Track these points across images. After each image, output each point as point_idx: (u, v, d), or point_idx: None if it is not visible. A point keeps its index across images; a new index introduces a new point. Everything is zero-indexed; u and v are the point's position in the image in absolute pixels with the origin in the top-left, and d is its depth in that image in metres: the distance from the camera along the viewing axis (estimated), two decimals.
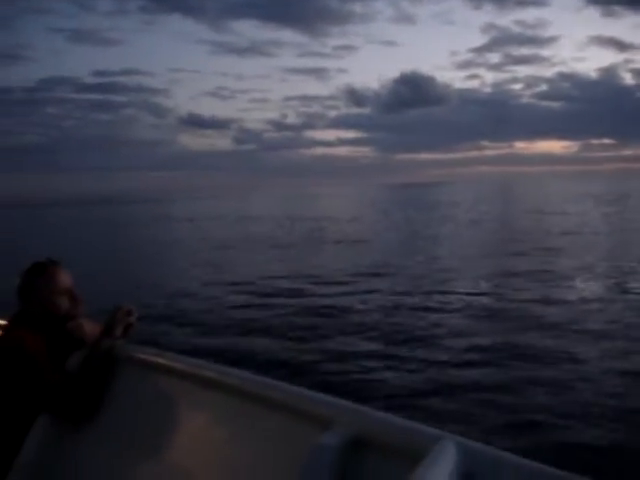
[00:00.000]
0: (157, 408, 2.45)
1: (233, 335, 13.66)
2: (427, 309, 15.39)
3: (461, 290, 17.54)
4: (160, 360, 2.52)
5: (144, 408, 2.52)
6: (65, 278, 2.95)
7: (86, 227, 67.49)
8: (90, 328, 2.94)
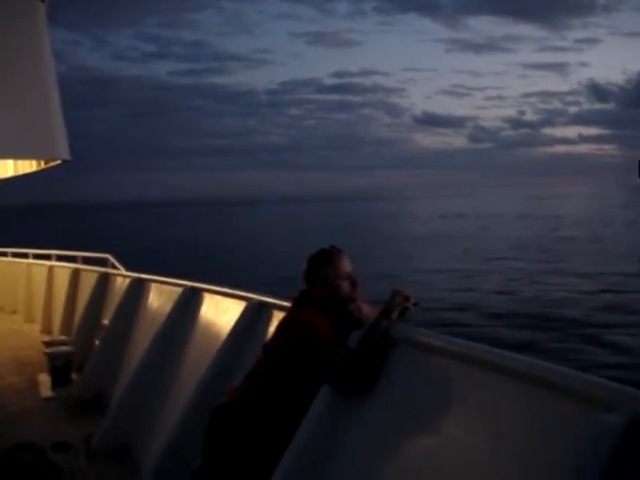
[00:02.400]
0: (432, 388, 2.50)
1: None
2: None
3: None
4: (435, 342, 2.57)
5: (419, 387, 2.59)
6: (347, 264, 3.16)
7: (342, 221, 72.50)
8: (367, 310, 3.13)
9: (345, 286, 3.12)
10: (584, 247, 36.39)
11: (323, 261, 3.15)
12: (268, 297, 4.15)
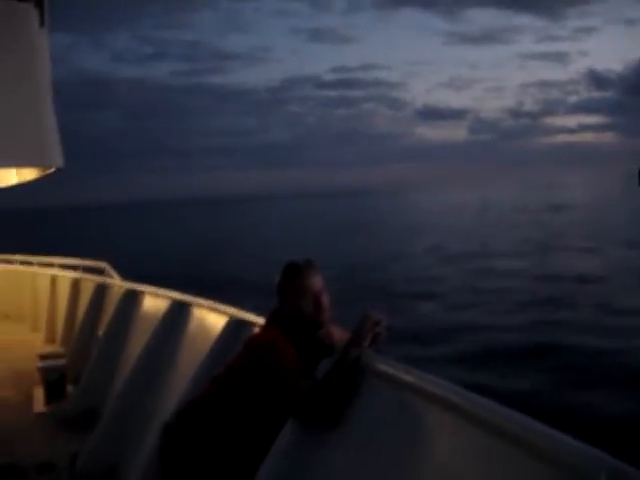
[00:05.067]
0: (399, 425, 2.39)
1: None
2: None
3: None
4: (406, 376, 2.43)
5: (387, 423, 2.47)
6: (315, 282, 2.94)
7: (344, 216, 73.28)
8: (340, 335, 2.95)
9: (308, 306, 2.91)
10: None
11: (288, 277, 2.95)
12: (250, 313, 4.09)
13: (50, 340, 9.67)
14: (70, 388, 6.82)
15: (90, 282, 8.52)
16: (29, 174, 8.83)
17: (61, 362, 6.97)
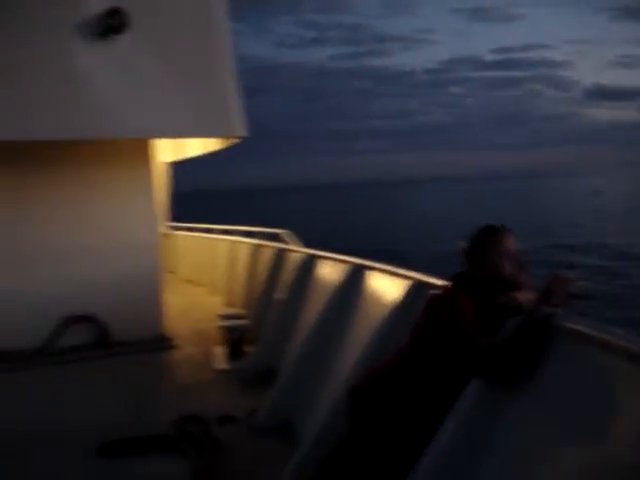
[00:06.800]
0: (591, 384, 2.30)
1: None
2: None
3: None
4: (596, 334, 2.33)
5: (578, 382, 2.38)
6: (513, 243, 2.98)
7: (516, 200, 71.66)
8: (527, 297, 2.90)
9: (508, 265, 2.94)
10: None
11: (487, 236, 2.99)
12: (428, 277, 4.05)
13: (228, 303, 10.22)
14: (248, 349, 7.13)
15: (269, 248, 8.82)
16: (213, 144, 9.31)
17: (243, 322, 7.32)
